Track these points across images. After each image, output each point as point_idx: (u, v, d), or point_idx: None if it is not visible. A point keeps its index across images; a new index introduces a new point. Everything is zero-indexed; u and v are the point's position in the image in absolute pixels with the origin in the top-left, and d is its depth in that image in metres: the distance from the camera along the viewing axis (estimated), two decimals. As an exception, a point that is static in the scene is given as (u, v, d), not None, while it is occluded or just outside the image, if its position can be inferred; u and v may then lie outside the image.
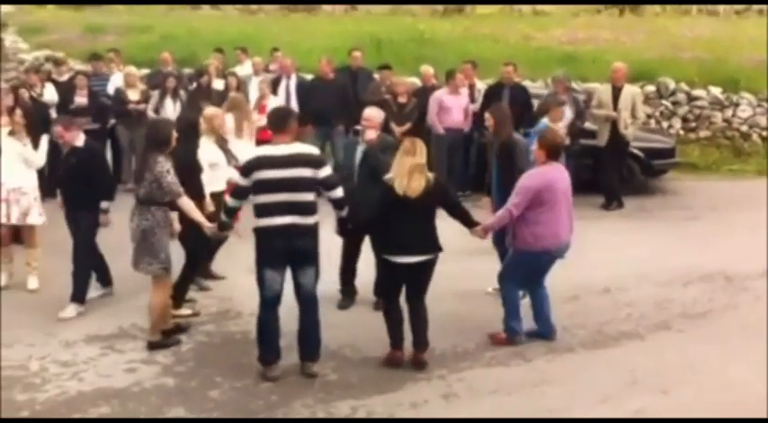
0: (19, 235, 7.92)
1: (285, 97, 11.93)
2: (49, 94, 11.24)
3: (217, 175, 7.23)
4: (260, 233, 5.73)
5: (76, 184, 6.98)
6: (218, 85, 11.96)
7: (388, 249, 5.94)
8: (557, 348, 6.45)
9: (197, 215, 6.30)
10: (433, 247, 5.95)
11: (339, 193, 5.84)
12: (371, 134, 6.89)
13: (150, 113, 11.30)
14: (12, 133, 7.64)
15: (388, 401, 5.59)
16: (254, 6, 29.01)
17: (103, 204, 7.04)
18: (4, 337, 6.51)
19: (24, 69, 15.79)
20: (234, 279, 7.65)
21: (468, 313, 7.06)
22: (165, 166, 6.09)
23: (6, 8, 38.97)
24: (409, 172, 5.77)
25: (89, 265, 7.19)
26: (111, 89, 12.16)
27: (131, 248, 6.30)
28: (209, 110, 7.79)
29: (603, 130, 10.82)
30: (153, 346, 6.35)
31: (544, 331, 6.59)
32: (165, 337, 6.45)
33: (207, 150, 7.22)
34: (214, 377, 5.94)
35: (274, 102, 10.89)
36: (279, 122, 5.83)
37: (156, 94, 11.57)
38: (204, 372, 6.03)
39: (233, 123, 9.13)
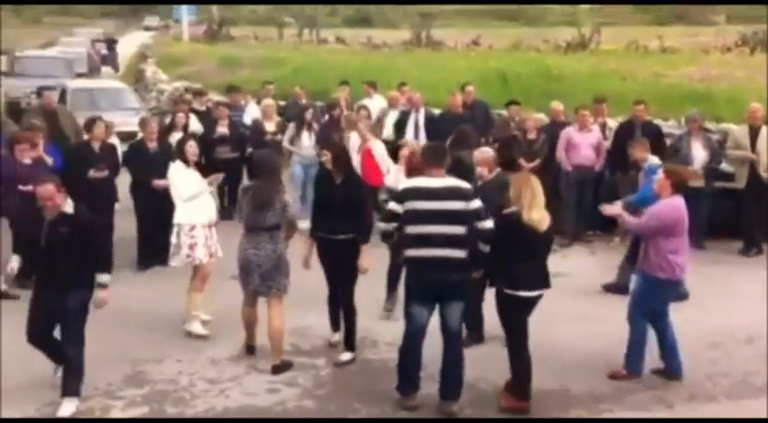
0: None
1: (414, 131, 12.12)
2: (194, 125, 11.80)
3: None
4: (411, 264, 5.90)
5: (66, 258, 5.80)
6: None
7: (511, 283, 5.95)
8: (698, 395, 6.32)
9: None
10: (548, 281, 6.05)
11: (489, 223, 5.87)
12: (484, 172, 7.05)
13: (285, 144, 11.74)
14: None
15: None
16: (378, 40, 29.68)
17: (103, 278, 5.96)
18: (155, 353, 6.91)
19: (173, 100, 16.56)
20: (368, 308, 7.82)
21: (598, 352, 7.00)
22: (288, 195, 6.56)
23: (146, 40, 41.18)
24: (535, 206, 5.88)
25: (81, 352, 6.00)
26: (247, 120, 12.71)
27: (256, 273, 6.55)
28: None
29: (741, 172, 10.53)
30: (278, 370, 6.59)
31: (674, 369, 6.51)
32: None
33: None
34: (353, 403, 6.12)
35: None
36: (435, 157, 6.01)
37: (291, 125, 12.00)
38: (343, 397, 6.22)
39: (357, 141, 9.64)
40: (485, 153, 7.27)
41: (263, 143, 11.96)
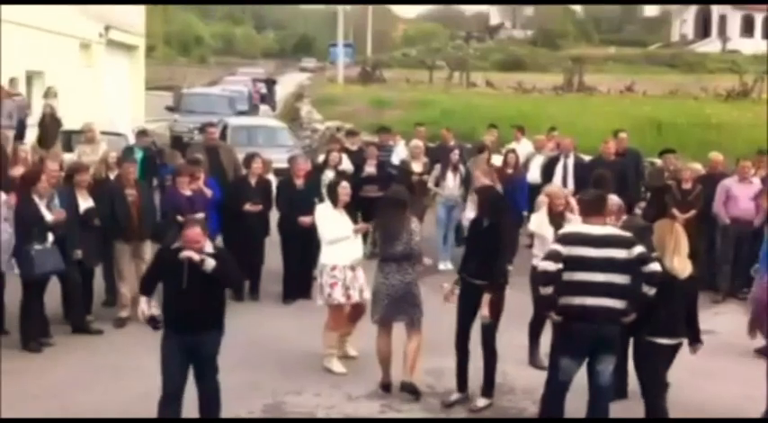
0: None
1: (562, 176, 11.95)
2: (346, 164, 12.07)
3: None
4: (567, 313, 5.72)
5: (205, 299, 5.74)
6: (496, 160, 12.28)
7: (651, 330, 5.79)
8: None
9: None
10: (690, 332, 5.92)
11: (656, 266, 5.65)
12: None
13: (430, 185, 11.83)
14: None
15: None
16: (528, 85, 29.55)
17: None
18: (294, 385, 7.05)
19: (327, 139, 17.02)
20: (505, 353, 7.68)
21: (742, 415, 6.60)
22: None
23: (303, 81, 42.70)
24: (677, 253, 5.80)
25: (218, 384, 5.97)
26: (395, 160, 12.92)
27: (384, 303, 6.74)
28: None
29: None
30: (405, 388, 6.77)
31: None
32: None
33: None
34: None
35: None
36: (593, 206, 5.91)
37: (437, 166, 12.09)
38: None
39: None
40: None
41: (409, 183, 12.13)
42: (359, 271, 7.49)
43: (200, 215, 8.25)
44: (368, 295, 7.36)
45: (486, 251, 6.60)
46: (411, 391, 6.78)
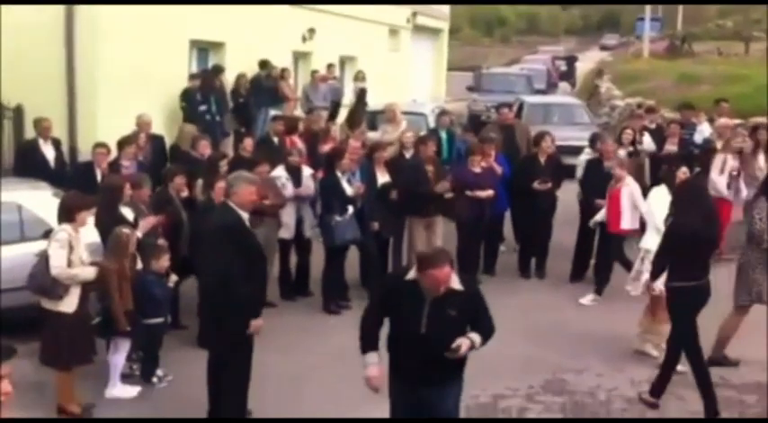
0: None
1: None
2: (647, 143, 11.58)
3: None
4: None
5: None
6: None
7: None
8: None
9: None
10: None
11: None
12: None
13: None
14: None
15: None
16: None
17: None
18: (577, 363, 6.98)
19: (628, 115, 16.44)
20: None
21: None
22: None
23: (605, 57, 41.46)
24: None
25: None
26: (698, 138, 12.16)
27: None
28: None
29: None
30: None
31: None
32: None
33: None
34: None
35: None
36: None
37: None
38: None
39: None
40: None
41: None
42: None
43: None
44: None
45: None
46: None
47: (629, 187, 8.46)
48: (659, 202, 7.22)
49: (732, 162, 10.01)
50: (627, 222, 8.47)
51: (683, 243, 5.94)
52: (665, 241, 6.16)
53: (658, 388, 6.19)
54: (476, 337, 4.41)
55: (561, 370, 6.86)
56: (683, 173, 7.39)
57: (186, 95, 12.46)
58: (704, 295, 6.04)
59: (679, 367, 6.26)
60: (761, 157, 10.65)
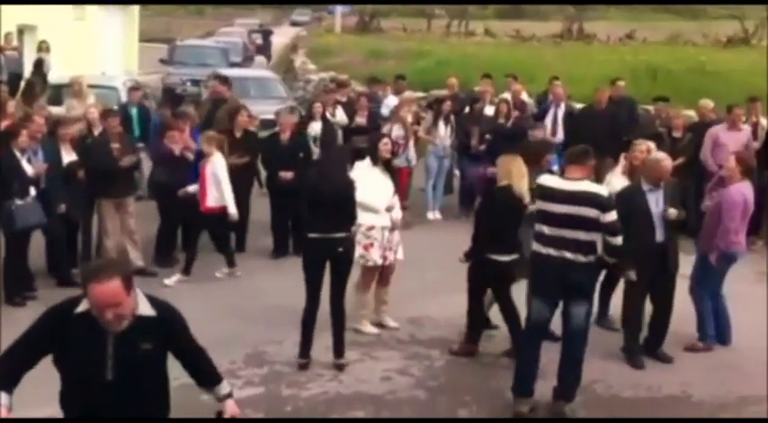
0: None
1: (551, 126, 11.87)
2: (340, 115, 11.98)
3: None
4: (535, 261, 5.83)
5: None
6: (489, 111, 12.17)
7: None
8: None
9: None
10: None
11: (618, 240, 5.74)
12: None
13: (421, 134, 11.77)
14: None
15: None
16: (527, 33, 29.23)
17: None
18: (276, 335, 7.09)
19: (322, 90, 16.83)
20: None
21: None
22: None
23: (300, 32, 42.20)
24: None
25: None
26: (384, 111, 12.82)
27: None
28: None
29: None
30: None
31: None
32: None
33: None
34: (464, 396, 6.10)
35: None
36: (577, 157, 5.84)
37: (428, 116, 12.02)
38: (454, 390, 6.21)
39: None
40: None
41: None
42: (396, 232, 7.23)
43: None
44: (401, 256, 7.28)
45: None
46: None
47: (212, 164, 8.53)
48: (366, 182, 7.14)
49: (398, 131, 10.70)
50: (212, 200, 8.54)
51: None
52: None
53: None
54: None
55: (262, 343, 6.94)
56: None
57: None
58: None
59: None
60: (441, 127, 11.52)
